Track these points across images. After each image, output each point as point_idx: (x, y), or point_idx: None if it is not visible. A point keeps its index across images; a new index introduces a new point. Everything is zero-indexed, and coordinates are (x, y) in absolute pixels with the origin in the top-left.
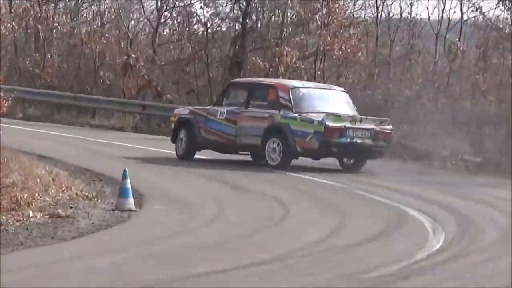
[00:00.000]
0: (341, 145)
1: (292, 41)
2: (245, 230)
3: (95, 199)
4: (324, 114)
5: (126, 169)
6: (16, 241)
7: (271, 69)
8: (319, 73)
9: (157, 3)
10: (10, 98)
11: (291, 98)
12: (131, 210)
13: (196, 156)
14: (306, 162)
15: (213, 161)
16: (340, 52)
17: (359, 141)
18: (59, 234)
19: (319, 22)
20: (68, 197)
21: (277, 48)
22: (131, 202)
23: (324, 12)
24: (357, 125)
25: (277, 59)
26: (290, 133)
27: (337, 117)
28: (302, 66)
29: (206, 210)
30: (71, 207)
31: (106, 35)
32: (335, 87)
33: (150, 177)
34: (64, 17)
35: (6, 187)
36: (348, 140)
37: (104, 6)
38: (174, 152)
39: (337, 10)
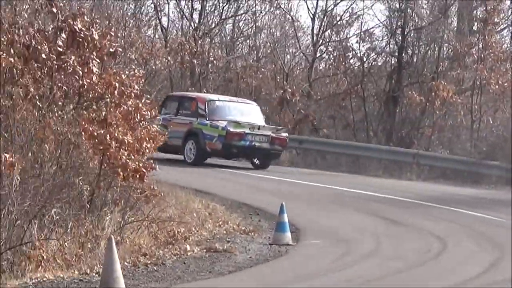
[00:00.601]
0: (241, 147)
1: (448, 75)
2: (403, 264)
3: (252, 233)
4: (227, 121)
5: (283, 203)
6: (173, 275)
7: (427, 104)
8: (475, 107)
9: (313, 38)
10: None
11: (206, 109)
12: (288, 244)
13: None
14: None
15: (365, 195)
16: (497, 87)
17: (257, 144)
18: (216, 269)
19: (475, 56)
20: (225, 231)
21: (433, 83)
22: (288, 236)
23: (480, 46)
24: (256, 131)
25: (433, 94)
26: (202, 136)
27: (238, 124)
28: (459, 100)
29: (363, 244)
30: (228, 241)
31: (262, 69)
32: (248, 101)
33: (307, 211)
34: (219, 51)
35: (163, 222)
36: (248, 143)
37: (260, 41)
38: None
39: (493, 44)
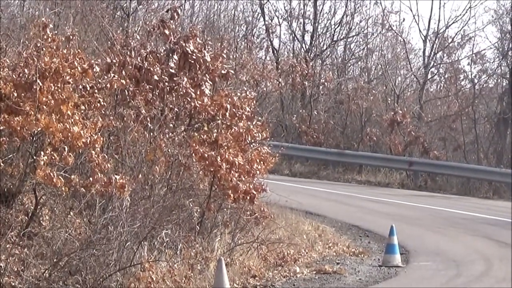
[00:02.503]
0: None
1: None
2: None
3: (362, 255)
4: None
5: (393, 225)
6: None
7: None
8: None
9: (424, 60)
10: (277, 155)
11: None
12: (398, 266)
13: None
14: None
15: (475, 217)
16: None
17: None
18: None
19: None
20: (334, 253)
21: None
22: (398, 258)
23: None
24: None
25: None
26: None
27: None
28: None
29: (474, 266)
30: (337, 263)
31: (373, 91)
32: None
33: (416, 233)
34: (330, 73)
35: (273, 243)
36: None
37: (371, 63)
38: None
39: None
